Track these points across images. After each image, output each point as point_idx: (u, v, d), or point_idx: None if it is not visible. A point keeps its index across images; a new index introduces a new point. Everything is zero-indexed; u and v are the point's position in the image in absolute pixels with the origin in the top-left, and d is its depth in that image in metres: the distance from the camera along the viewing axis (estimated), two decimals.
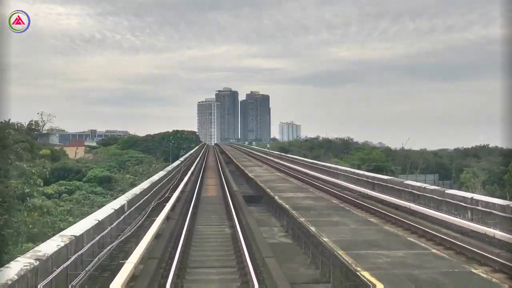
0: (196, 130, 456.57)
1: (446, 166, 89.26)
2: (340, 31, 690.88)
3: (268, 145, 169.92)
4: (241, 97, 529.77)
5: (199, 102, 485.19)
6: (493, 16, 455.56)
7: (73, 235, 9.39)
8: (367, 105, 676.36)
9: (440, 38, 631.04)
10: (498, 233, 12.49)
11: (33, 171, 26.19)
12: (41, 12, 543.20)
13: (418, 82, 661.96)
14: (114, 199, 20.01)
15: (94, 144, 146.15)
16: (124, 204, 14.62)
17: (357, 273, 9.71)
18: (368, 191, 23.05)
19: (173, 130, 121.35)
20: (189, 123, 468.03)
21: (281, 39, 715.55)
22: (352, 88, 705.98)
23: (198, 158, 61.13)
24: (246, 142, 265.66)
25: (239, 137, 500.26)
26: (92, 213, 13.13)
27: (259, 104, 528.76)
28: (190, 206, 19.77)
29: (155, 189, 22.08)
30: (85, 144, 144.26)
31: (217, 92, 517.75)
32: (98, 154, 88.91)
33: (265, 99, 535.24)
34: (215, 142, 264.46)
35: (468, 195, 16.55)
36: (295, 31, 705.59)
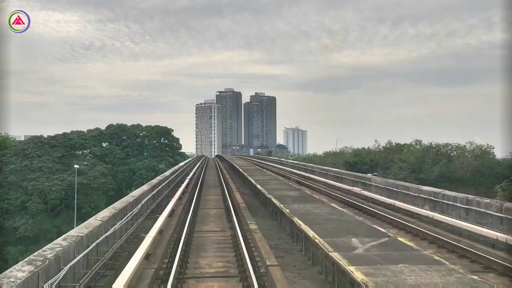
0: (195, 137, 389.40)
1: None
2: (340, 37, 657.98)
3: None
4: (245, 100, 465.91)
5: (198, 105, 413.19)
6: (495, 21, 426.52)
7: None
8: (369, 110, 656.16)
9: (441, 43, 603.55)
10: None
11: None
12: (40, 19, 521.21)
13: (420, 87, 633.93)
14: None
15: None
16: None
17: None
18: None
19: (109, 126, 55.97)
20: (190, 129, 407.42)
21: (282, 45, 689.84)
22: (353, 94, 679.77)
23: None
24: (265, 151, 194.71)
25: (243, 143, 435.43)
26: None
27: (264, 107, 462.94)
28: None
29: None
30: None
31: (218, 93, 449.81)
32: None
33: (271, 101, 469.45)
34: (216, 154, 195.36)
35: None
36: (296, 37, 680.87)
